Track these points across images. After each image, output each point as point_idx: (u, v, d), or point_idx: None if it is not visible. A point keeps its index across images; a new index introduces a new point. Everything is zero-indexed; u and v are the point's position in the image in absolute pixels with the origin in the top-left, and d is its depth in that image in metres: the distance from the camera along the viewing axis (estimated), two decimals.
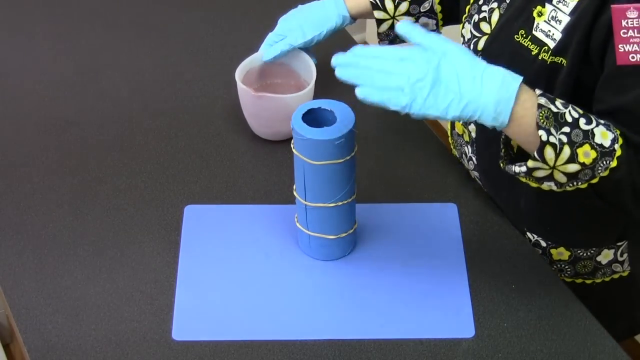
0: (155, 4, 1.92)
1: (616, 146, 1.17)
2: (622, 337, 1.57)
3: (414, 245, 1.39)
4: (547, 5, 1.25)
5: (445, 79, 1.14)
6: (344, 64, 1.17)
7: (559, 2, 1.23)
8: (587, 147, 1.16)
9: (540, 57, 1.25)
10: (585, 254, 1.45)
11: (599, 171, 1.18)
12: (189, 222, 1.45)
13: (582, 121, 1.17)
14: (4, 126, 1.62)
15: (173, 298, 1.34)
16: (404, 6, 1.54)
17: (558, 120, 1.16)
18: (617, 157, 1.17)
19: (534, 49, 1.26)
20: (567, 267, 1.47)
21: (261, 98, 1.50)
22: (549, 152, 1.16)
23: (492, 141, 1.37)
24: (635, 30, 1.11)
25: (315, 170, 1.29)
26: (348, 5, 1.57)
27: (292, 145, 1.30)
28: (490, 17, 1.32)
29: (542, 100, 1.16)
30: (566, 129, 1.16)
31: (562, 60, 1.24)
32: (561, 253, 1.45)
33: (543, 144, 1.16)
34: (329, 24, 1.56)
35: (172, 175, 1.53)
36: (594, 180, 1.19)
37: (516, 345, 1.29)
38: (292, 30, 1.57)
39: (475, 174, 1.51)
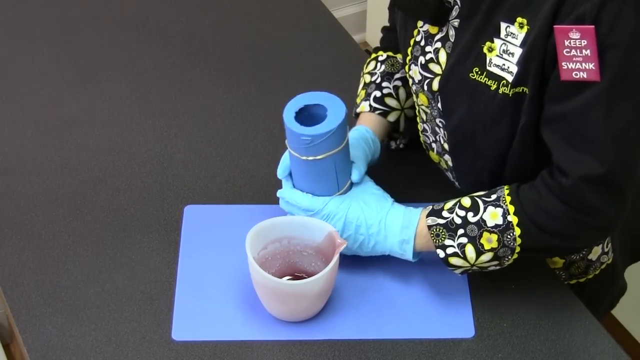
0: (155, 4, 1.92)
1: (509, 217, 1.24)
2: (604, 313, 1.65)
3: None
4: (495, 40, 1.23)
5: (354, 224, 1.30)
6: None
7: (507, 35, 1.22)
8: (485, 235, 1.25)
9: (501, 92, 1.24)
10: (577, 257, 1.45)
11: (511, 244, 1.25)
12: (189, 222, 1.45)
13: (470, 215, 1.26)
14: (4, 126, 1.62)
15: (173, 298, 1.34)
16: (402, 93, 1.48)
17: (449, 228, 1.27)
18: (517, 225, 1.24)
19: (492, 85, 1.25)
20: (561, 272, 1.47)
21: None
22: (455, 261, 1.28)
23: (469, 171, 1.39)
24: (578, 50, 1.14)
25: (336, 159, 1.29)
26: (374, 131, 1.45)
27: (301, 156, 1.29)
28: (437, 57, 1.32)
29: (429, 220, 1.28)
30: (460, 231, 1.26)
31: (524, 89, 1.24)
32: (555, 262, 1.46)
33: (445, 259, 1.27)
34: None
35: (172, 175, 1.53)
36: (518, 252, 1.26)
37: (516, 345, 1.29)
38: None
39: None
